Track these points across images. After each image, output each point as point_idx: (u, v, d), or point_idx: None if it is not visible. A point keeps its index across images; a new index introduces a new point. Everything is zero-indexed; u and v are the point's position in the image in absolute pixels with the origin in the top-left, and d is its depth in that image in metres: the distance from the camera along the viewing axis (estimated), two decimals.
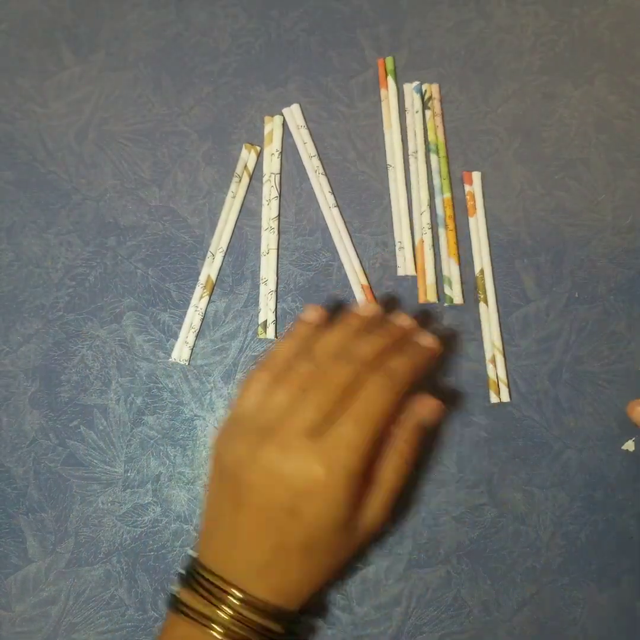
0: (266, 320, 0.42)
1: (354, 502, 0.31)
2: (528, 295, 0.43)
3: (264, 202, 0.43)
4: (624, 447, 0.42)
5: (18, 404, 0.42)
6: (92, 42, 0.46)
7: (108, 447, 0.42)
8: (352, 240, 0.43)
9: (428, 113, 0.44)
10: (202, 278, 0.43)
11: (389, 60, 0.45)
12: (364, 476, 0.32)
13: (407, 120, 0.45)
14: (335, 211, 0.43)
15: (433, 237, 0.43)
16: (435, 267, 0.43)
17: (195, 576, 0.33)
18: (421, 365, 0.34)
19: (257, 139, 0.45)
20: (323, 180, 0.44)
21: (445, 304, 0.43)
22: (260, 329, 0.42)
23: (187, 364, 0.42)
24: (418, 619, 0.40)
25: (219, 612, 0.31)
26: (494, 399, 0.42)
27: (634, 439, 0.42)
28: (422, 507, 0.41)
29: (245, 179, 0.44)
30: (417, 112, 0.44)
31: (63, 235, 0.44)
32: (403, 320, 0.36)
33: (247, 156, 0.44)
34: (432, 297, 0.42)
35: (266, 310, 0.42)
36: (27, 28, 0.46)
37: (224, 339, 0.43)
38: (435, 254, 0.43)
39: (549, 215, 0.44)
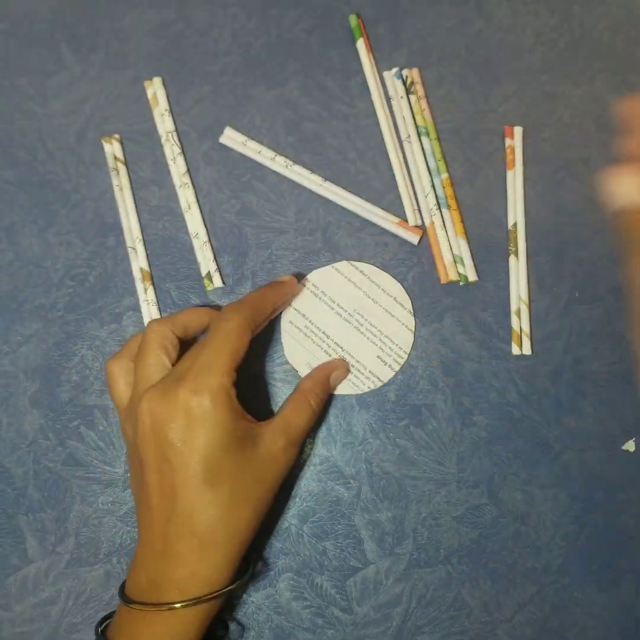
0: (209, 272, 0.43)
1: (234, 417, 0.33)
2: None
3: (169, 162, 0.44)
4: (624, 447, 0.42)
5: (18, 404, 0.42)
6: (92, 42, 0.46)
7: (108, 448, 0.42)
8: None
9: (413, 98, 0.45)
10: (136, 274, 0.43)
11: (353, 18, 0.45)
12: (233, 394, 0.34)
13: (393, 108, 0.45)
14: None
15: (442, 216, 0.44)
16: (450, 246, 0.43)
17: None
18: (271, 292, 0.39)
19: (258, 137, 0.45)
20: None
21: (461, 283, 0.43)
22: (206, 281, 0.43)
23: None
24: (418, 619, 0.40)
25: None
26: (515, 351, 0.42)
27: (634, 439, 0.42)
28: (422, 507, 0.41)
29: (122, 168, 0.44)
30: (402, 97, 0.44)
31: (63, 235, 0.44)
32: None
33: (111, 148, 0.44)
34: (453, 275, 0.43)
35: (206, 262, 0.43)
36: (27, 28, 0.46)
37: None
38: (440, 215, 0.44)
39: (549, 215, 0.44)
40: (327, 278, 0.43)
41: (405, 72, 0.45)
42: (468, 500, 0.41)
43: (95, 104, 0.45)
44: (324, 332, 0.42)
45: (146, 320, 0.43)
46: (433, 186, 0.44)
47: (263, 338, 0.43)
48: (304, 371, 0.42)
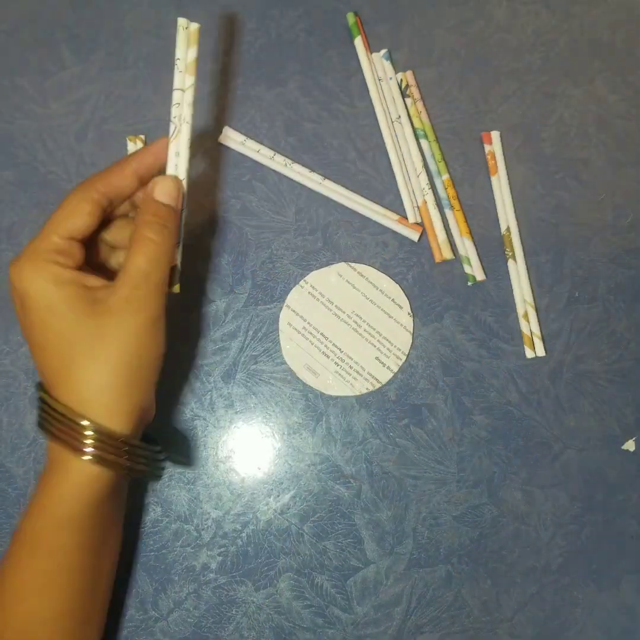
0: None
1: (58, 285, 0.32)
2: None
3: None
4: (624, 447, 0.42)
5: (18, 404, 0.42)
6: (92, 42, 0.46)
7: None
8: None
9: (408, 101, 0.45)
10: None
11: (350, 16, 0.45)
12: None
13: (383, 89, 0.45)
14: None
15: (436, 198, 0.44)
16: (444, 225, 0.43)
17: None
18: (127, 160, 0.36)
19: (257, 137, 0.45)
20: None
21: (469, 283, 0.43)
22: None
23: None
24: (418, 618, 0.40)
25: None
26: (529, 354, 0.42)
27: (634, 439, 0.42)
28: (422, 507, 0.41)
29: None
30: (391, 79, 0.44)
31: None
32: None
33: (135, 147, 0.44)
34: (447, 254, 0.43)
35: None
36: (27, 28, 0.46)
37: (224, 338, 0.43)
38: (442, 213, 0.44)
39: (549, 215, 0.44)
40: (325, 279, 0.43)
41: (399, 76, 0.45)
42: (468, 500, 0.41)
43: (95, 104, 0.45)
44: (322, 334, 0.42)
45: None
46: (430, 181, 0.44)
47: (262, 338, 0.43)
48: (302, 373, 0.42)
